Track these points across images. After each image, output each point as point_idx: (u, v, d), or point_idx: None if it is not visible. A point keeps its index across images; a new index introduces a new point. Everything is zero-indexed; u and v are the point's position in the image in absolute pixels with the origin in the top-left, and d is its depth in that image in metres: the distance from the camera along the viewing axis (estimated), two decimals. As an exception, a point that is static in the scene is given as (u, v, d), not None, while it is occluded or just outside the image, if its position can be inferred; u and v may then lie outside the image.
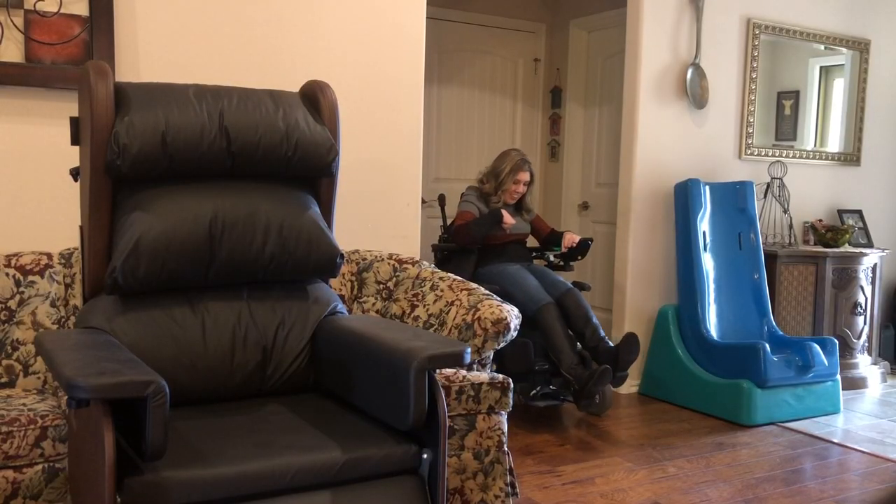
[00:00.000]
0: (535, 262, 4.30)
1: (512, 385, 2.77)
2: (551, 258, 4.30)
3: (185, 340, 2.21)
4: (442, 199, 4.40)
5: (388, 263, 3.13)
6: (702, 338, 4.31)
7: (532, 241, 4.37)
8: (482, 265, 4.07)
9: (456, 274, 3.40)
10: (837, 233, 4.87)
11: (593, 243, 4.31)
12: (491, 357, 2.85)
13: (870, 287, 4.87)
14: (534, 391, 3.87)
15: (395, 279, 3.09)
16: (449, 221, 4.35)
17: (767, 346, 4.05)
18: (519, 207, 4.20)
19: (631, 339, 3.77)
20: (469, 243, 4.01)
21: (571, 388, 3.73)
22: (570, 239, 4.18)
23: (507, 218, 4.00)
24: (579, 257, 4.23)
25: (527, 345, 3.76)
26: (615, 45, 5.22)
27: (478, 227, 3.98)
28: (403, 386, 1.94)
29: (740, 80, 4.82)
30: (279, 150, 2.33)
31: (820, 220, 5.09)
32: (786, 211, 4.90)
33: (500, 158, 4.15)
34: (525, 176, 4.11)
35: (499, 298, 2.87)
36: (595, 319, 3.88)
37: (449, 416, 2.58)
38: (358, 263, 3.13)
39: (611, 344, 3.82)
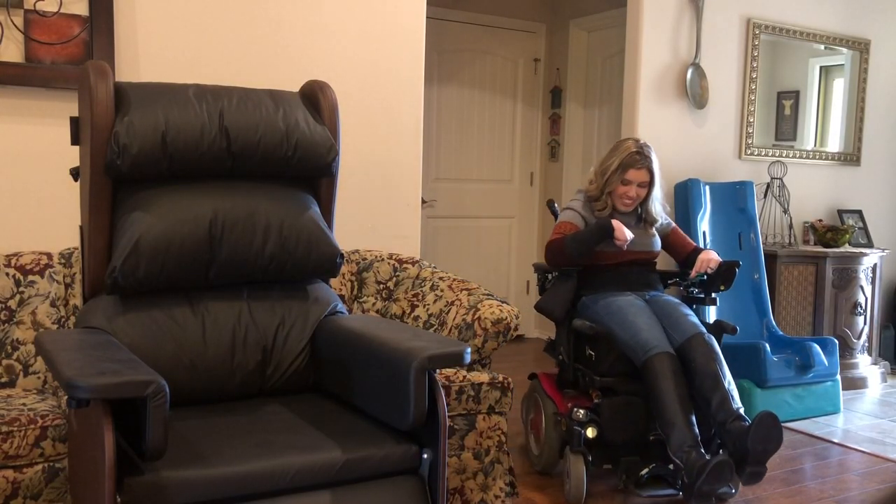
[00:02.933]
0: (669, 291, 3.32)
1: (613, 461, 2.76)
2: (692, 288, 3.25)
3: (185, 340, 2.21)
4: (551, 206, 3.56)
5: (388, 263, 3.13)
6: (702, 338, 4.30)
7: (667, 262, 3.47)
8: (587, 293, 3.10)
9: (549, 304, 3.06)
10: (837, 233, 4.87)
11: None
12: (491, 357, 2.85)
13: (870, 287, 4.87)
14: (644, 471, 2.84)
15: (395, 279, 3.09)
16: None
17: (767, 346, 4.05)
18: (641, 217, 3.20)
19: (767, 420, 2.68)
20: (563, 264, 3.07)
21: (680, 478, 2.68)
22: (704, 261, 3.12)
23: (620, 231, 3.01)
24: (722, 287, 3.14)
25: (632, 405, 2.86)
26: (615, 45, 5.22)
27: (576, 244, 3.01)
28: (403, 386, 1.93)
29: (740, 80, 4.82)
30: (279, 150, 2.33)
31: (820, 220, 5.09)
32: (786, 211, 4.90)
33: (611, 150, 3.20)
34: (639, 175, 3.08)
35: (499, 298, 2.86)
36: (728, 381, 2.80)
37: (449, 416, 2.58)
38: (358, 263, 3.13)
39: (748, 421, 2.71)
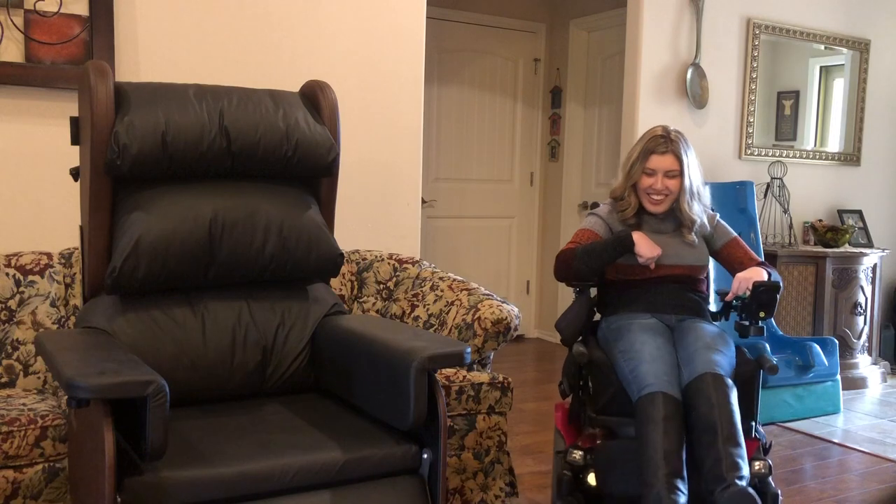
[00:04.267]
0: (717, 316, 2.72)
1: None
2: (741, 315, 2.59)
3: (185, 340, 2.21)
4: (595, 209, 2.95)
5: (388, 263, 3.13)
6: (702, 338, 4.30)
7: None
8: (608, 312, 2.67)
9: (561, 323, 2.62)
10: (837, 233, 4.87)
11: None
12: (491, 357, 2.85)
13: (870, 287, 4.87)
14: None
15: (395, 279, 3.09)
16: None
17: (767, 345, 4.05)
18: (678, 221, 2.66)
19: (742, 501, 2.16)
20: (571, 279, 2.62)
21: None
22: (742, 281, 2.54)
23: (644, 245, 2.54)
24: (762, 314, 2.52)
25: (633, 452, 2.32)
26: (615, 45, 5.22)
27: (586, 257, 2.56)
28: (403, 386, 1.93)
29: (740, 80, 4.82)
30: (279, 150, 2.33)
31: (820, 220, 5.09)
32: (786, 211, 4.90)
33: (638, 140, 2.73)
34: (664, 162, 2.59)
35: (499, 298, 2.85)
36: (733, 437, 2.24)
37: (449, 416, 2.58)
38: (358, 263, 3.13)
39: (745, 488, 2.18)
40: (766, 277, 2.53)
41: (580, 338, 2.61)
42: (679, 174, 2.61)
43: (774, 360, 2.51)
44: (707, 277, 2.76)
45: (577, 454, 2.43)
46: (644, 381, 2.33)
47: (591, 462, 2.42)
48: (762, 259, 2.74)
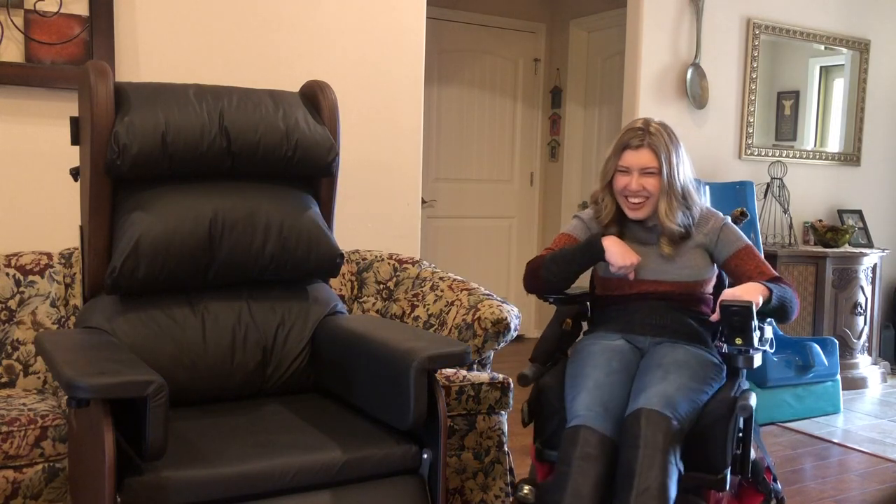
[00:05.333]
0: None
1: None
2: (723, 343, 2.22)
3: (185, 340, 2.21)
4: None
5: (388, 263, 3.13)
6: (702, 338, 4.30)
7: None
8: (589, 331, 2.41)
9: (538, 343, 2.35)
10: (837, 233, 4.87)
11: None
12: (491, 357, 2.85)
13: (870, 287, 4.87)
14: None
15: (395, 279, 3.09)
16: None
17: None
18: (668, 229, 2.27)
19: None
20: (540, 290, 2.36)
21: None
22: (721, 301, 2.13)
23: (616, 252, 2.23)
24: (737, 340, 2.14)
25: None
26: (615, 45, 5.22)
27: (554, 265, 2.29)
28: (404, 386, 1.93)
29: (740, 80, 4.82)
30: (279, 150, 2.33)
31: (820, 221, 5.09)
32: (786, 211, 4.90)
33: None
34: (639, 157, 2.25)
35: (499, 298, 2.86)
36: (643, 492, 1.87)
37: (449, 416, 2.58)
38: (358, 263, 3.13)
39: None
40: (759, 298, 2.12)
41: (549, 360, 2.32)
42: (657, 172, 2.24)
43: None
44: (713, 294, 2.35)
45: (527, 489, 2.15)
46: (574, 413, 2.02)
47: (538, 498, 2.11)
48: (776, 273, 2.30)
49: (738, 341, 2.14)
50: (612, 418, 2.00)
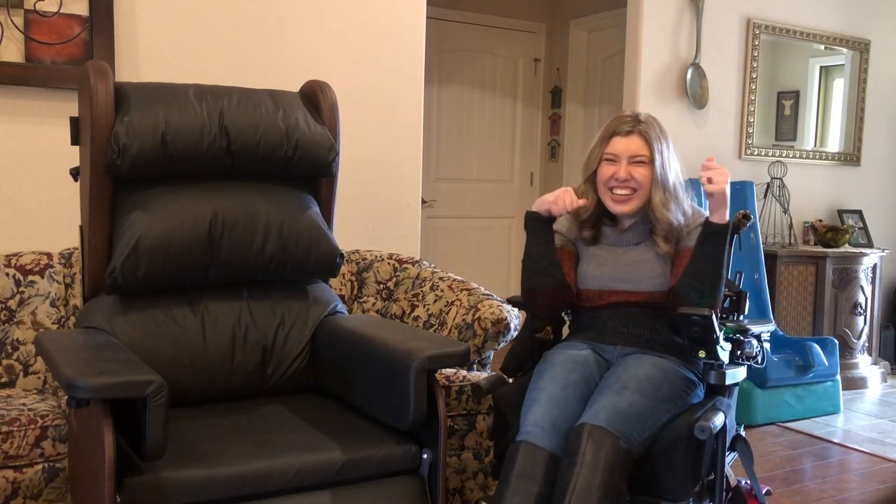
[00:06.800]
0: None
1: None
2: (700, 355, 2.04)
3: (185, 340, 2.21)
4: None
5: (388, 263, 3.13)
6: (702, 338, 4.29)
7: None
8: (562, 341, 2.25)
9: (509, 352, 2.28)
10: (837, 233, 4.87)
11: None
12: (491, 357, 2.85)
13: (870, 287, 4.87)
14: None
15: (395, 279, 3.09)
16: None
17: (767, 345, 4.05)
18: (647, 230, 2.15)
19: None
20: (540, 307, 2.21)
21: None
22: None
23: (545, 201, 2.09)
24: (701, 354, 2.01)
25: None
26: (615, 45, 5.22)
27: (526, 266, 2.16)
28: (403, 386, 1.94)
29: (740, 80, 4.82)
30: (279, 150, 2.33)
31: (820, 220, 5.09)
32: (786, 211, 4.90)
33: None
34: (629, 144, 2.09)
35: (499, 298, 2.86)
36: None
37: (449, 416, 2.58)
38: (358, 263, 3.13)
39: None
40: (724, 189, 1.95)
41: (519, 371, 2.23)
42: (648, 161, 2.07)
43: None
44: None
45: None
46: (523, 427, 1.90)
47: None
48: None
49: (702, 354, 1.99)
50: (561, 434, 1.87)
